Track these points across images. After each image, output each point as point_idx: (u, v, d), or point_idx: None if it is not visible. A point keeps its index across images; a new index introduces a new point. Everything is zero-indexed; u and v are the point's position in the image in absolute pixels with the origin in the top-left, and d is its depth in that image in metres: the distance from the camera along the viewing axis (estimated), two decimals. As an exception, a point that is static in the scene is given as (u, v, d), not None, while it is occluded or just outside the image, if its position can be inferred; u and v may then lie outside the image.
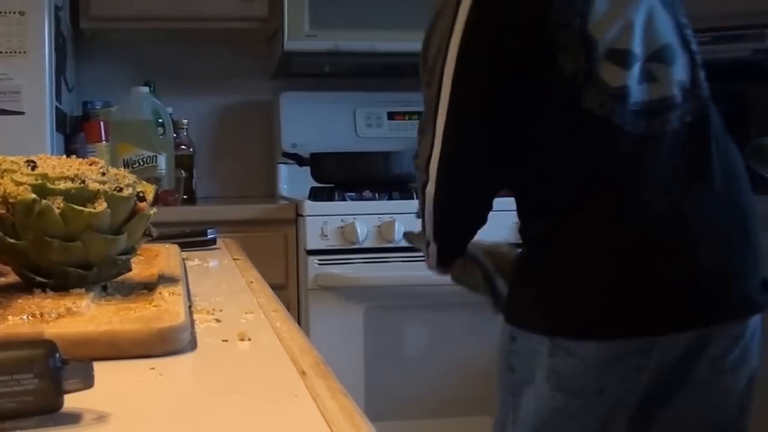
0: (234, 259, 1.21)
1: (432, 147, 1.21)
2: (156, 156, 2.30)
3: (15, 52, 2.08)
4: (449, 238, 1.31)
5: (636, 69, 1.17)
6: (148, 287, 0.80)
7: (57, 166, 0.78)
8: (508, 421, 1.29)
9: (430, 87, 1.22)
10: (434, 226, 1.27)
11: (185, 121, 2.57)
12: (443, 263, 1.35)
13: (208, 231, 1.36)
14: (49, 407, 0.47)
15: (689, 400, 1.24)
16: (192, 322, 0.71)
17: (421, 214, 1.29)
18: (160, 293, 0.74)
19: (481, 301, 1.39)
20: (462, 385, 2.14)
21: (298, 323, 0.95)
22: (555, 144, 1.19)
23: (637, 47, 1.18)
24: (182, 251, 1.16)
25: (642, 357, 1.17)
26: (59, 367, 0.47)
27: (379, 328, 2.13)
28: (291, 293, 2.17)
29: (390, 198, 2.24)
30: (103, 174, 0.79)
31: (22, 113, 2.09)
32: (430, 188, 1.23)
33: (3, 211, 0.73)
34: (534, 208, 1.26)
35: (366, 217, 2.10)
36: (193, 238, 1.34)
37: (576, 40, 1.15)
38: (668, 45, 1.21)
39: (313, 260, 2.11)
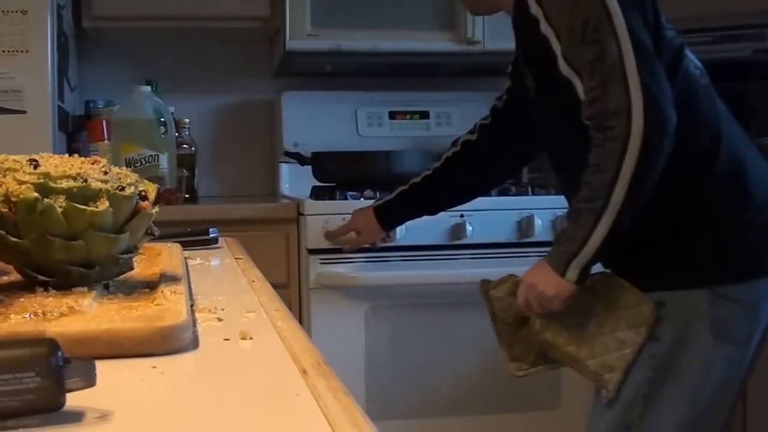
0: (235, 258, 1.21)
1: (628, 88, 1.24)
2: (158, 155, 2.30)
3: (17, 51, 2.09)
4: (643, 188, 1.28)
5: None
6: (150, 286, 0.81)
7: (59, 165, 0.78)
8: (636, 404, 1.35)
9: (596, 43, 1.28)
10: (634, 175, 1.25)
11: (187, 120, 2.57)
12: (603, 251, 1.30)
13: (210, 230, 1.37)
14: (52, 406, 0.47)
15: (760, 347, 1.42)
16: (194, 321, 0.71)
17: (610, 175, 1.26)
18: (162, 292, 0.74)
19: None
20: (463, 385, 2.14)
21: (300, 322, 0.95)
22: (685, 105, 1.33)
23: None
24: (184, 250, 1.16)
25: None
26: (61, 365, 0.47)
27: (381, 327, 2.13)
28: (292, 292, 2.17)
29: (391, 197, 2.24)
30: (105, 173, 0.79)
31: (24, 112, 2.09)
32: (638, 122, 1.23)
33: (5, 210, 0.73)
34: (672, 167, 1.31)
35: (367, 216, 2.10)
36: (194, 237, 1.34)
37: (669, 23, 1.38)
38: None
39: (315, 259, 2.11)
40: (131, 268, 0.84)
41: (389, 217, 1.82)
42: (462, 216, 2.10)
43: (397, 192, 1.79)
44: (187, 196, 2.45)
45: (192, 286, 0.91)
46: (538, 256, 2.11)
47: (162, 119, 2.33)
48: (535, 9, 1.37)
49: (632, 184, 1.25)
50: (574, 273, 1.31)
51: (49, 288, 0.75)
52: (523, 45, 1.48)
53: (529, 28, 1.38)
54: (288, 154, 2.53)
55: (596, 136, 1.28)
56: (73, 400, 0.48)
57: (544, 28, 1.35)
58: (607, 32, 1.28)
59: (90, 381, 0.49)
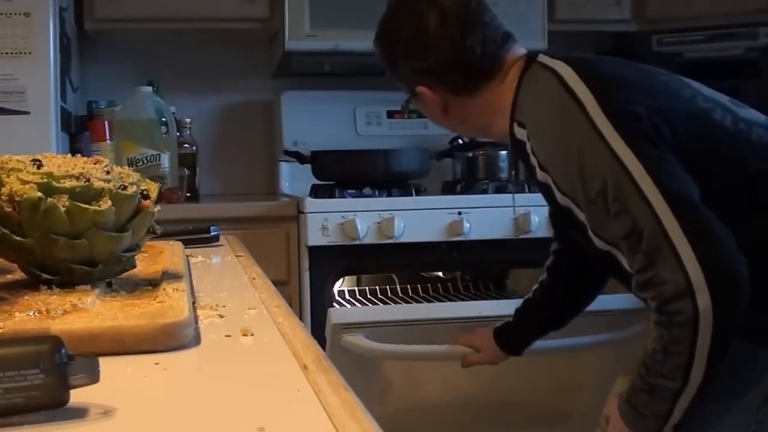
0: (236, 256, 1.22)
1: (682, 264, 1.08)
2: (159, 154, 2.31)
3: (20, 53, 2.09)
4: (723, 354, 1.12)
5: None
6: (152, 284, 0.81)
7: (62, 164, 0.78)
8: None
9: (624, 213, 1.13)
10: (710, 352, 1.09)
11: (188, 120, 2.58)
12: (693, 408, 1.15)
13: (211, 228, 1.37)
14: (56, 402, 0.47)
15: None
16: (195, 318, 0.71)
17: (684, 359, 1.11)
18: (164, 289, 0.75)
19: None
20: (473, 400, 2.11)
21: (300, 319, 0.96)
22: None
23: None
24: (186, 248, 1.16)
25: None
26: (65, 362, 0.48)
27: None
28: (293, 289, 2.17)
29: (389, 195, 2.24)
30: (108, 172, 0.79)
31: (27, 113, 2.10)
32: (704, 302, 1.07)
33: (9, 210, 0.74)
34: None
35: (366, 213, 2.10)
36: (196, 235, 1.34)
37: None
38: None
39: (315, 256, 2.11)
40: (134, 266, 0.85)
41: (511, 339, 1.65)
42: (459, 213, 2.11)
43: (515, 313, 1.65)
44: (188, 194, 2.46)
45: (194, 283, 0.92)
46: (536, 253, 2.10)
47: (163, 119, 2.34)
48: (542, 176, 1.24)
49: (711, 360, 1.10)
50: None
51: (53, 286, 0.76)
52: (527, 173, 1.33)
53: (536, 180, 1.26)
54: (288, 152, 2.53)
55: (659, 317, 1.13)
56: (76, 396, 0.48)
57: (561, 199, 1.22)
58: (633, 198, 1.11)
59: (93, 378, 0.49)
